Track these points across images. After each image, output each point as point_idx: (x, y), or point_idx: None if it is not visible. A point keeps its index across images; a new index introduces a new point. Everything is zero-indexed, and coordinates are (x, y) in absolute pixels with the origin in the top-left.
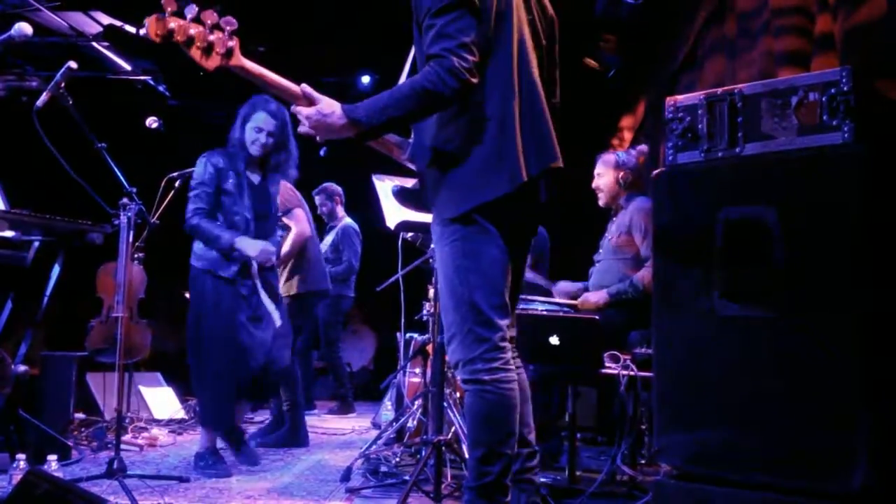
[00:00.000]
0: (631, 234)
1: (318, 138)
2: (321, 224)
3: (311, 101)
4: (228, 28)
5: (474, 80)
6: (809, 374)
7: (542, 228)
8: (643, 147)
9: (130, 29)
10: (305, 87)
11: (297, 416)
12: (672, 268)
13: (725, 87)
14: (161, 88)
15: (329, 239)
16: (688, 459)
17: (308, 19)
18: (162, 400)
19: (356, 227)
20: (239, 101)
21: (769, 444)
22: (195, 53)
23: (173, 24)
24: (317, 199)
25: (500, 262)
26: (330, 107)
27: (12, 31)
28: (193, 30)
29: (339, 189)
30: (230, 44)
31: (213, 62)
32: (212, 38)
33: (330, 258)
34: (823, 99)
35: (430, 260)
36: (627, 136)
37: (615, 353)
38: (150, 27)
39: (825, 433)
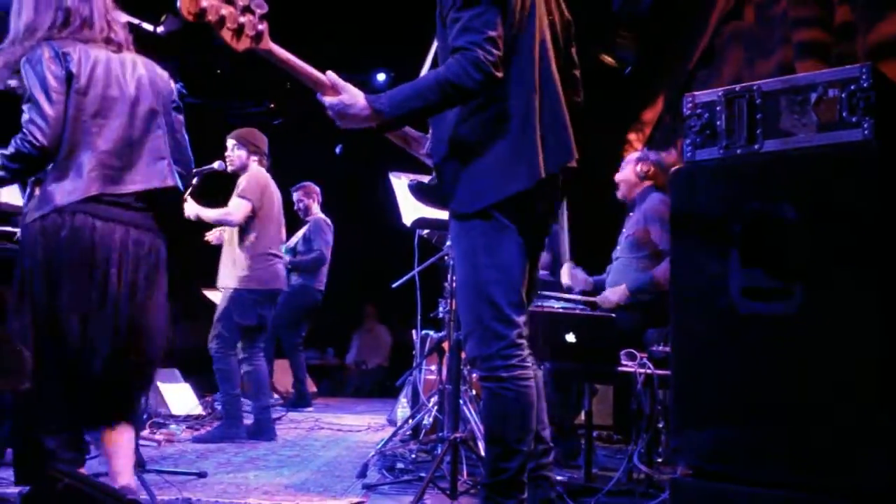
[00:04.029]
0: (647, 229)
1: (338, 125)
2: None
3: (336, 91)
4: (259, 11)
5: (499, 74)
6: (829, 372)
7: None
8: (674, 152)
9: (147, 27)
10: (331, 74)
11: (233, 410)
12: (690, 265)
13: (744, 84)
14: (178, 86)
15: (300, 232)
16: (705, 458)
17: (323, 16)
18: (180, 396)
19: (328, 220)
20: (255, 99)
21: (787, 442)
22: (226, 34)
23: (206, 2)
24: (295, 195)
25: (517, 259)
26: (353, 97)
27: None
28: (225, 10)
29: (317, 188)
30: (260, 27)
31: (243, 44)
32: (242, 19)
33: (301, 250)
34: (843, 95)
35: (446, 257)
36: (646, 132)
37: (632, 350)
38: (182, 4)
39: (845, 432)
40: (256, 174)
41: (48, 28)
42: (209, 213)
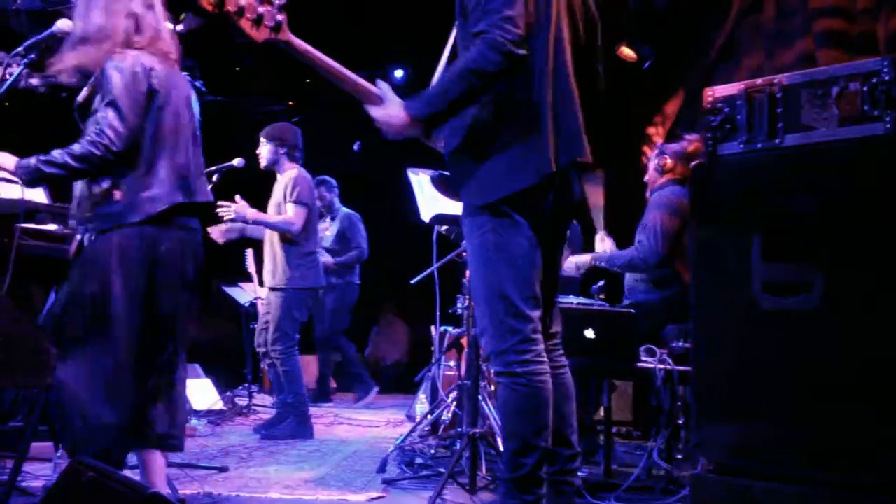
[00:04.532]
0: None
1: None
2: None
3: (368, 94)
4: (277, 2)
5: (520, 52)
6: (850, 367)
7: (574, 222)
8: (695, 135)
9: (168, 25)
10: (383, 85)
11: (301, 409)
12: (711, 260)
13: (765, 78)
14: (198, 84)
15: (333, 229)
16: (726, 453)
17: (340, 11)
18: (201, 391)
19: (356, 213)
20: (274, 98)
21: (808, 437)
22: (245, 24)
23: None
24: (318, 191)
25: (530, 254)
26: (394, 107)
27: (55, 28)
28: (244, 1)
29: (335, 182)
30: (279, 18)
31: (262, 34)
32: (261, 10)
33: (335, 249)
34: (864, 89)
35: (464, 253)
36: (667, 125)
37: (651, 346)
38: None
39: (865, 427)
40: (304, 177)
41: (123, 33)
42: (269, 219)
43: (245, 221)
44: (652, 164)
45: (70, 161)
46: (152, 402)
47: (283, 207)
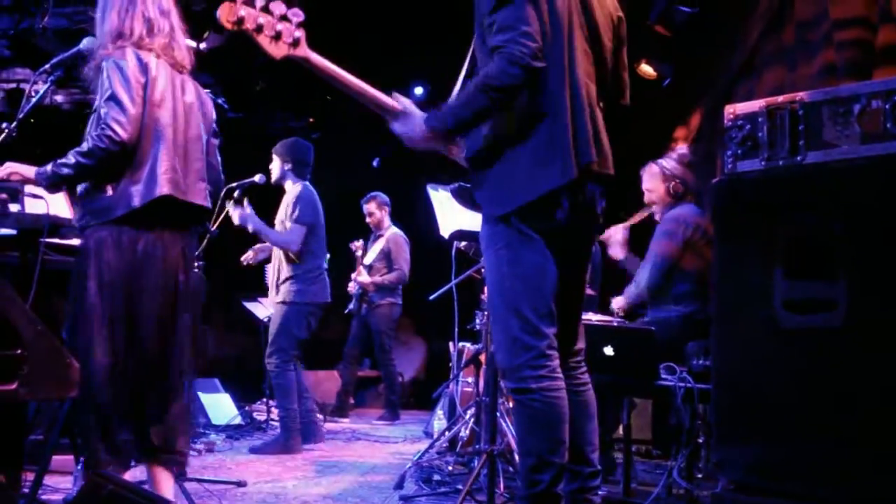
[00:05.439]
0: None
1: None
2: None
3: (388, 109)
4: (296, 19)
5: (538, 64)
6: (874, 386)
7: (596, 245)
8: (683, 151)
9: (191, 43)
10: (402, 100)
11: (290, 424)
12: (733, 277)
13: (786, 95)
14: (220, 101)
15: (378, 247)
16: (747, 472)
17: (361, 29)
18: (219, 406)
19: (404, 235)
20: (295, 114)
21: (830, 456)
22: (263, 41)
23: (244, 11)
24: (368, 207)
25: (544, 270)
26: (415, 120)
27: (81, 46)
28: (263, 19)
29: (387, 199)
30: (297, 34)
31: (280, 51)
32: (280, 27)
33: (377, 267)
34: (887, 107)
35: (483, 269)
36: (689, 140)
37: (671, 364)
38: (221, 13)
39: (887, 445)
40: (306, 195)
41: (136, 36)
42: (271, 236)
43: (245, 227)
44: (660, 186)
45: (80, 158)
46: (146, 414)
47: (285, 225)
